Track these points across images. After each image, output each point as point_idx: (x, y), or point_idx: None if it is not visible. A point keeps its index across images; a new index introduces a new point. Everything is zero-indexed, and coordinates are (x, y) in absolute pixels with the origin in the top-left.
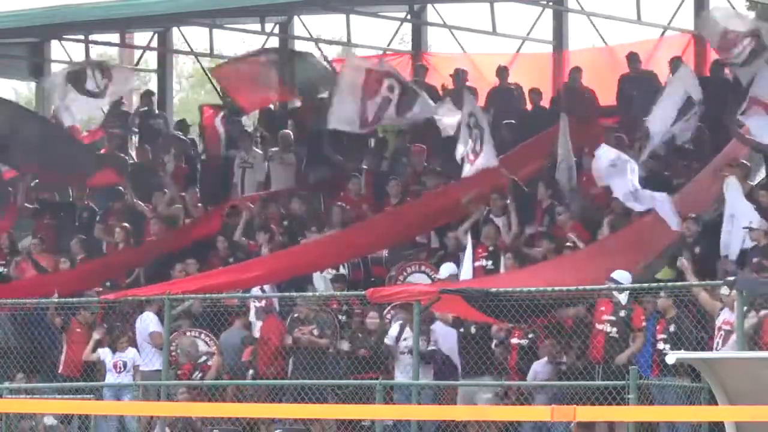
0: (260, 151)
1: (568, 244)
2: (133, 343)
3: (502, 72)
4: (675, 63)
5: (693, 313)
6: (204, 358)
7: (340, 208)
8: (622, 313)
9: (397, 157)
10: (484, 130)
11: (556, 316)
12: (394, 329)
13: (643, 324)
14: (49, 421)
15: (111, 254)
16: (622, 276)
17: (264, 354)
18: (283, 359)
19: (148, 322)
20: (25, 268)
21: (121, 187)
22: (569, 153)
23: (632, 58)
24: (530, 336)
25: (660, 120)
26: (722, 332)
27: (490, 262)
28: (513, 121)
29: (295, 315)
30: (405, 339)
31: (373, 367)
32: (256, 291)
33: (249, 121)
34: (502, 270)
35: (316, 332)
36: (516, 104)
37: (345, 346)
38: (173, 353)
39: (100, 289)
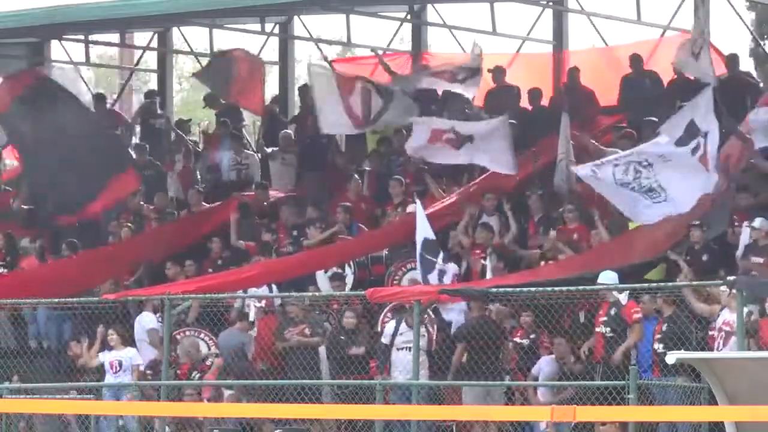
0: (251, 152)
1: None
2: (130, 342)
3: (497, 73)
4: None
5: (692, 313)
6: (207, 359)
7: (342, 208)
8: (613, 312)
9: (396, 157)
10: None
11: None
12: (389, 327)
13: (636, 317)
14: None
15: (115, 246)
16: (608, 276)
17: (261, 353)
18: (283, 359)
19: (146, 321)
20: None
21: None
22: (569, 152)
23: (635, 59)
24: (532, 336)
25: (668, 134)
26: (723, 333)
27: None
28: (513, 121)
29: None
30: (401, 334)
31: (362, 368)
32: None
33: (249, 122)
34: (488, 272)
35: (307, 332)
36: (513, 104)
37: (355, 350)
38: (173, 353)
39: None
